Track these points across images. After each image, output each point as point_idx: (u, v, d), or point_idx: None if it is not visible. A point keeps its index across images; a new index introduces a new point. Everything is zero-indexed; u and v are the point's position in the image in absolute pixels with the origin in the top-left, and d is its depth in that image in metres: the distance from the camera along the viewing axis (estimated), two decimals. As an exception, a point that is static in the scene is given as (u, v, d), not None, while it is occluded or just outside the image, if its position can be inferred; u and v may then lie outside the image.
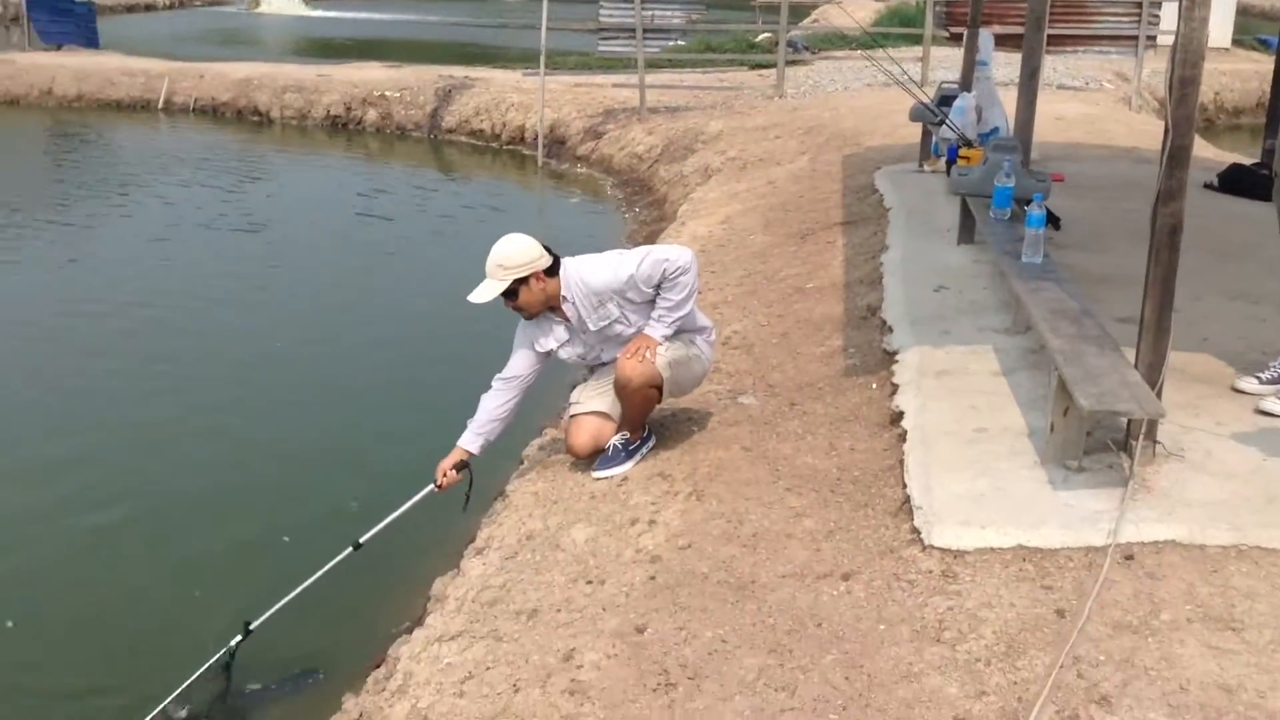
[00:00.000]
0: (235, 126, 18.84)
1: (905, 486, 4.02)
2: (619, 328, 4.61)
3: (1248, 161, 9.29)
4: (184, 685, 4.09)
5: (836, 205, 8.92)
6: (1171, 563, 3.41)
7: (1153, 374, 3.95)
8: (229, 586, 4.90)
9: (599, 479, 4.67)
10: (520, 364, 4.70)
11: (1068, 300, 4.60)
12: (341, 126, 18.47)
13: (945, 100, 8.67)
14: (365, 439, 6.53)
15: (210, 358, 7.83)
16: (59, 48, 23.67)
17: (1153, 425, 3.93)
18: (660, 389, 4.64)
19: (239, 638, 4.24)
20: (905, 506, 3.90)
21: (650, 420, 4.89)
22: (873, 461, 4.36)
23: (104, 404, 7.00)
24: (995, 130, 7.99)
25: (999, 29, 12.14)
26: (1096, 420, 3.94)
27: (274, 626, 4.45)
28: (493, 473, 5.54)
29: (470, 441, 4.68)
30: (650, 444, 4.82)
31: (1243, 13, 24.04)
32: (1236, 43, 22.54)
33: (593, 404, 4.75)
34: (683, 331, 4.66)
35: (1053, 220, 6.41)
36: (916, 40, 17.46)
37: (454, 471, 4.64)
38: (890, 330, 5.63)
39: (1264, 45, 22.90)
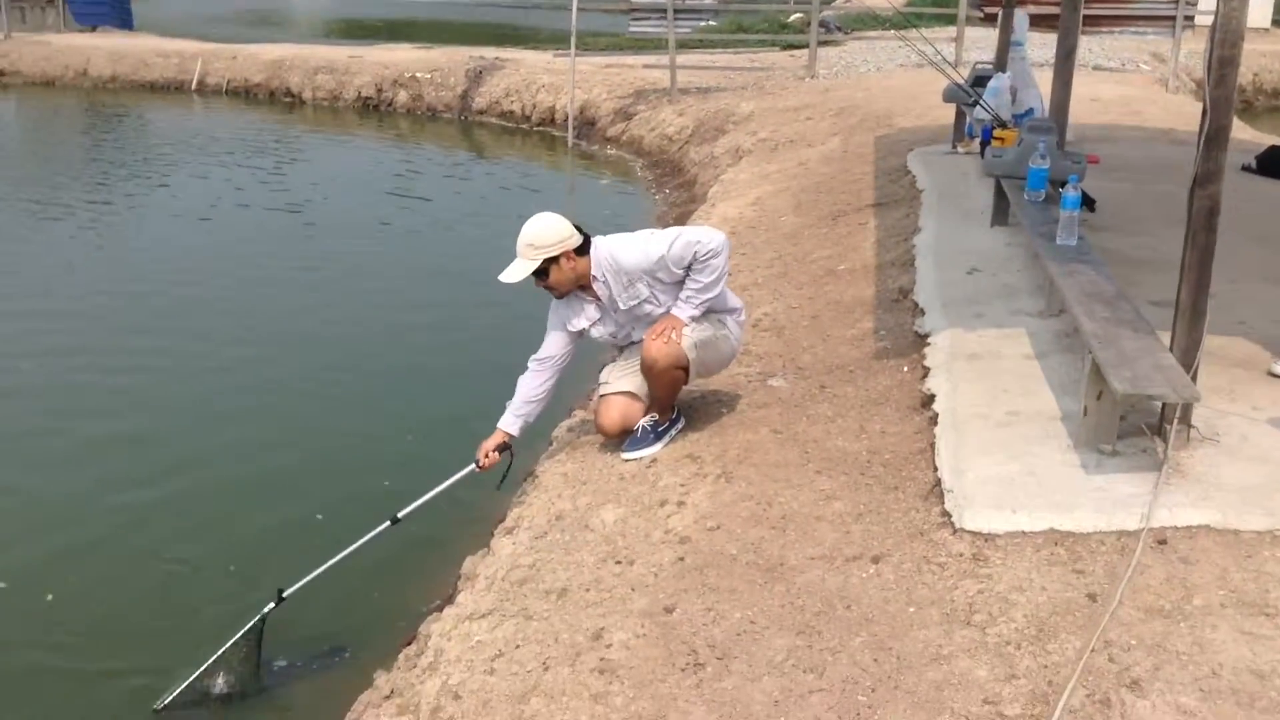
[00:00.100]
0: (268, 108, 18.96)
1: (936, 469, 4.01)
2: (648, 307, 4.61)
3: (1287, 143, 9.16)
4: (218, 653, 4.13)
5: (868, 187, 8.88)
6: (1205, 547, 3.39)
7: (1188, 358, 3.91)
8: (265, 561, 4.94)
9: (628, 460, 4.68)
10: (554, 345, 4.72)
11: (1103, 283, 4.56)
12: (373, 108, 18.54)
13: (979, 81, 8.60)
14: (403, 418, 6.58)
15: (251, 337, 7.94)
16: (94, 29, 23.89)
17: (1187, 409, 3.89)
18: (687, 370, 4.63)
19: (271, 604, 4.28)
20: (936, 489, 3.89)
21: (679, 402, 4.89)
22: (903, 444, 4.34)
23: (145, 382, 7.10)
24: (1030, 111, 7.92)
25: (1034, 9, 12.02)
26: (1130, 404, 3.91)
27: (306, 604, 4.50)
28: (523, 454, 5.57)
29: (510, 423, 4.70)
30: (679, 426, 4.82)
31: (1283, -8, 23.68)
32: (1276, 23, 22.22)
33: (622, 384, 4.75)
34: (712, 311, 4.65)
35: (1088, 202, 6.35)
36: (950, 20, 17.32)
37: (495, 453, 4.66)
38: (922, 313, 5.60)
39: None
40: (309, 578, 4.34)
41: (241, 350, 7.64)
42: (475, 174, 14.08)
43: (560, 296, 4.65)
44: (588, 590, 3.74)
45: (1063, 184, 5.22)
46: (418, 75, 18.42)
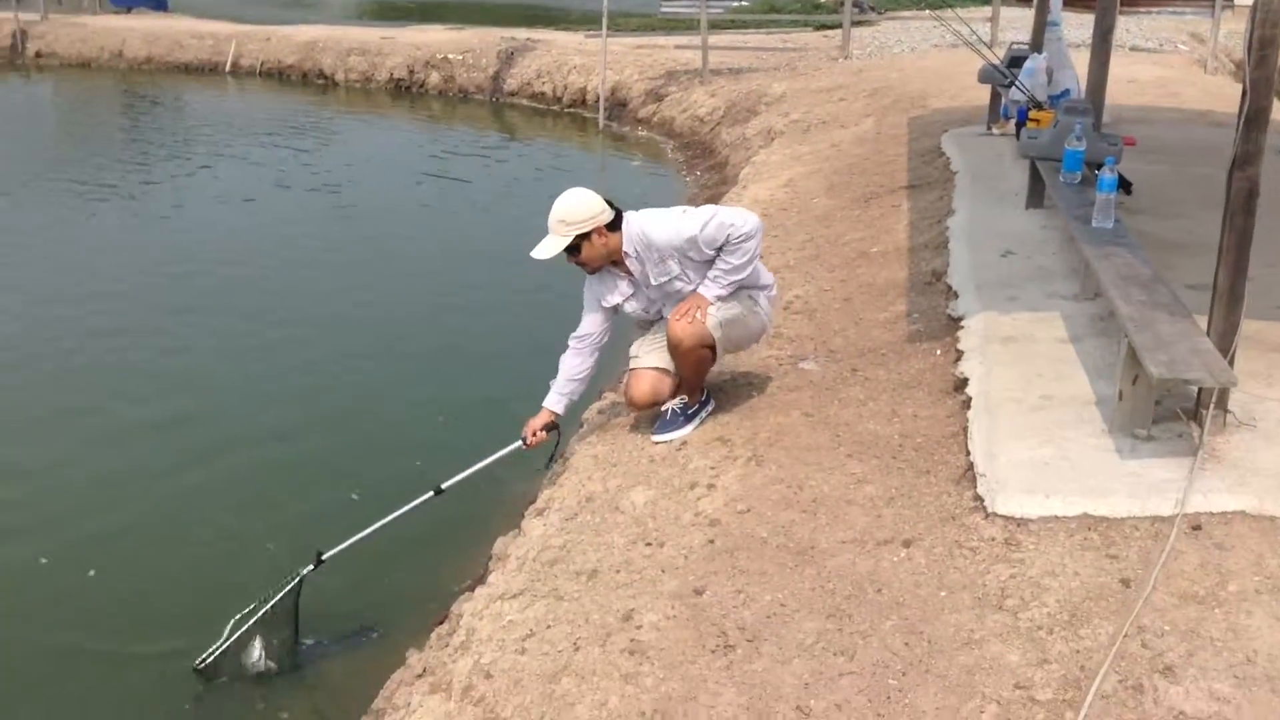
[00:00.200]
0: (301, 89, 19.04)
1: (969, 453, 3.99)
2: (679, 284, 4.58)
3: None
4: (258, 614, 4.16)
5: (902, 168, 8.82)
6: (1240, 533, 3.36)
7: (1225, 342, 3.87)
8: (303, 539, 4.94)
9: (658, 443, 4.68)
10: (591, 322, 4.72)
11: (1139, 266, 4.51)
12: (405, 89, 18.58)
13: (1015, 61, 8.51)
14: (438, 399, 6.65)
15: (290, 317, 8.05)
16: (129, 11, 24.05)
17: (1224, 394, 3.85)
18: (714, 348, 4.62)
19: (310, 567, 4.32)
20: (968, 474, 3.87)
21: (710, 385, 4.89)
22: (936, 428, 4.32)
23: (185, 362, 7.20)
24: (1066, 92, 7.83)
25: (1071, -12, 11.86)
26: (1166, 388, 3.87)
27: (339, 584, 4.55)
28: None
29: (555, 402, 4.72)
30: (709, 408, 4.81)
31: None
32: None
33: (651, 359, 4.71)
34: (743, 288, 4.60)
35: (1124, 185, 6.29)
36: (986, 0, 17.13)
37: (543, 432, 4.69)
38: (955, 296, 5.57)
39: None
40: (349, 542, 4.40)
41: (280, 330, 7.74)
42: (507, 156, 14.10)
43: (592, 272, 4.64)
44: (618, 572, 3.75)
45: (1099, 166, 5.16)
46: (450, 56, 18.44)
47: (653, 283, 4.58)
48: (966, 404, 4.37)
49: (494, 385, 6.72)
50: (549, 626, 3.54)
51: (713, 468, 4.34)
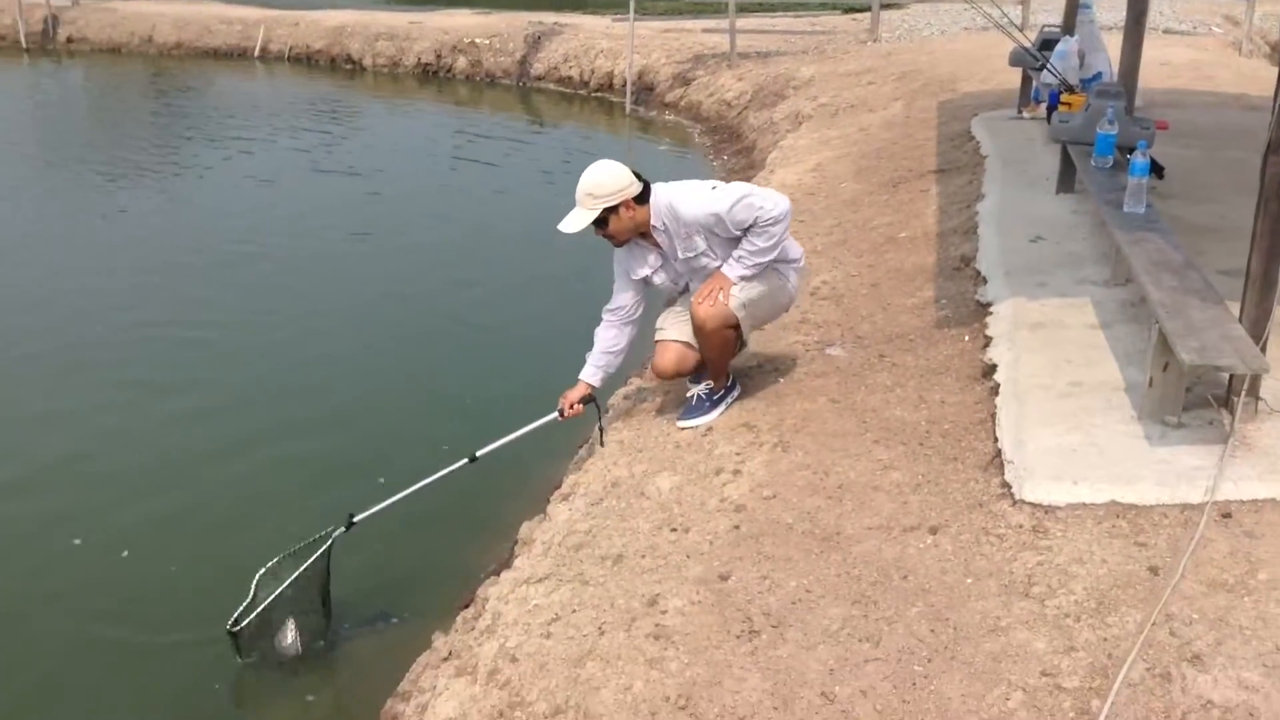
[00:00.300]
0: (329, 74, 19.10)
1: (996, 440, 3.97)
2: (705, 260, 4.53)
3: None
4: (291, 577, 4.17)
5: (930, 153, 8.76)
6: (1271, 522, 3.32)
7: (1257, 328, 3.82)
8: (337, 514, 5.00)
9: (684, 428, 4.68)
10: (622, 295, 4.71)
11: (1170, 252, 4.47)
12: (432, 74, 18.60)
13: (1046, 44, 8.43)
14: (471, 379, 6.69)
15: (322, 299, 8.13)
16: (159, -5, 24.08)
17: (1256, 381, 3.81)
18: (738, 327, 4.60)
19: (341, 529, 4.34)
20: (996, 460, 3.85)
21: (735, 370, 4.88)
22: (963, 415, 4.30)
23: (219, 344, 7.29)
24: (1098, 75, 7.75)
25: (1104, -30, 11.73)
26: (1197, 375, 3.83)
27: (365, 566, 4.58)
28: (579, 421, 5.60)
29: (591, 374, 4.72)
30: (735, 394, 4.80)
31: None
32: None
33: (675, 332, 4.67)
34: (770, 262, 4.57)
35: (1156, 169, 6.22)
36: (1016, -18, 16.95)
37: (579, 404, 4.69)
38: (984, 281, 5.53)
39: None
40: (381, 505, 4.42)
41: (309, 314, 7.83)
42: (534, 140, 14.10)
43: (619, 245, 4.61)
44: (643, 557, 3.76)
45: (1131, 150, 5.11)
46: (477, 41, 18.44)
47: (680, 257, 4.54)
48: (994, 390, 4.34)
49: (522, 369, 6.74)
50: (574, 611, 3.55)
51: (738, 453, 4.34)
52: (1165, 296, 4.00)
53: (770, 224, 4.36)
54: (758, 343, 5.31)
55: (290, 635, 4.22)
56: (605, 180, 4.40)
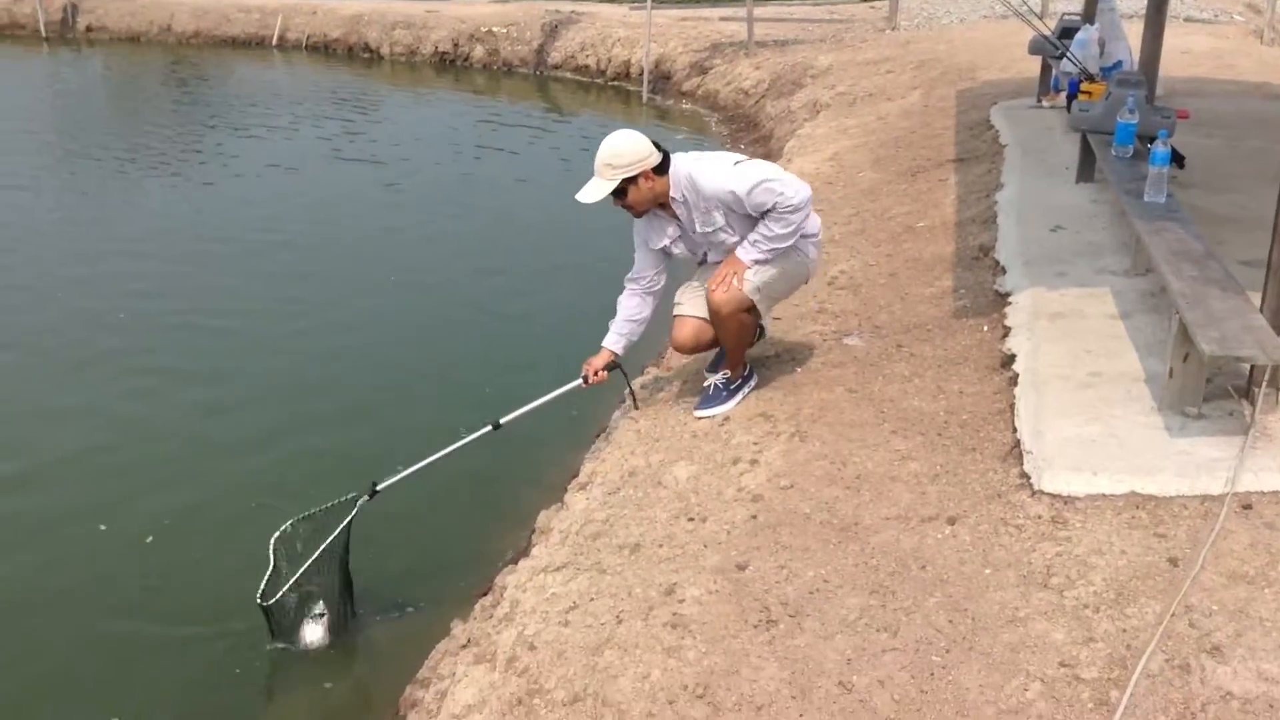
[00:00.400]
0: (346, 63, 19.12)
1: (1015, 430, 3.96)
2: (723, 235, 4.50)
3: (1390, 96, 8.82)
4: (320, 548, 4.18)
5: (949, 142, 8.72)
6: (1293, 514, 3.31)
7: (1278, 319, 3.80)
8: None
9: (701, 418, 4.68)
10: (643, 264, 4.69)
11: (1191, 241, 4.45)
12: (449, 63, 18.59)
13: (1066, 32, 8.37)
14: (496, 362, 6.74)
15: (342, 285, 8.16)
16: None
17: (1276, 371, 3.79)
18: (754, 309, 4.56)
19: (365, 497, 4.36)
20: (1015, 451, 3.85)
21: (753, 360, 4.88)
22: (982, 405, 4.29)
23: (242, 330, 7.32)
24: (1119, 64, 7.70)
25: (1125, -43, 11.64)
26: (1218, 366, 3.82)
27: (384, 554, 4.59)
28: (596, 410, 5.62)
29: (613, 342, 4.71)
30: (752, 384, 4.80)
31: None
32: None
33: (692, 308, 4.66)
34: None
35: (1177, 158, 6.19)
36: (1036, -30, 16.84)
37: (604, 371, 4.69)
38: (1003, 271, 5.51)
39: None
40: (404, 474, 4.44)
41: (330, 301, 7.84)
42: (554, 129, 14.10)
43: (638, 216, 4.58)
44: (660, 546, 3.76)
45: (1151, 139, 5.08)
46: (494, 30, 18.42)
47: (698, 229, 4.51)
48: (1013, 380, 4.33)
49: (545, 360, 6.73)
50: (592, 599, 3.56)
51: (756, 443, 4.34)
52: (1186, 286, 3.98)
53: (789, 211, 4.34)
54: (775, 332, 5.31)
55: (319, 611, 4.24)
56: (624, 150, 4.36)
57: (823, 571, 3.43)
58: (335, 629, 4.27)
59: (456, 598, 4.36)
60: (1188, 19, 15.07)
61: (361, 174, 11.58)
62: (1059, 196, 6.54)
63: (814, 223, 4.62)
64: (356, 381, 6.57)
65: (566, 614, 3.53)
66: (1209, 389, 3.87)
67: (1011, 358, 4.53)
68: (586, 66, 17.24)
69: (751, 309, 4.53)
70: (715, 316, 4.51)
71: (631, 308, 4.71)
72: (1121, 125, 5.68)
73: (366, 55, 19.34)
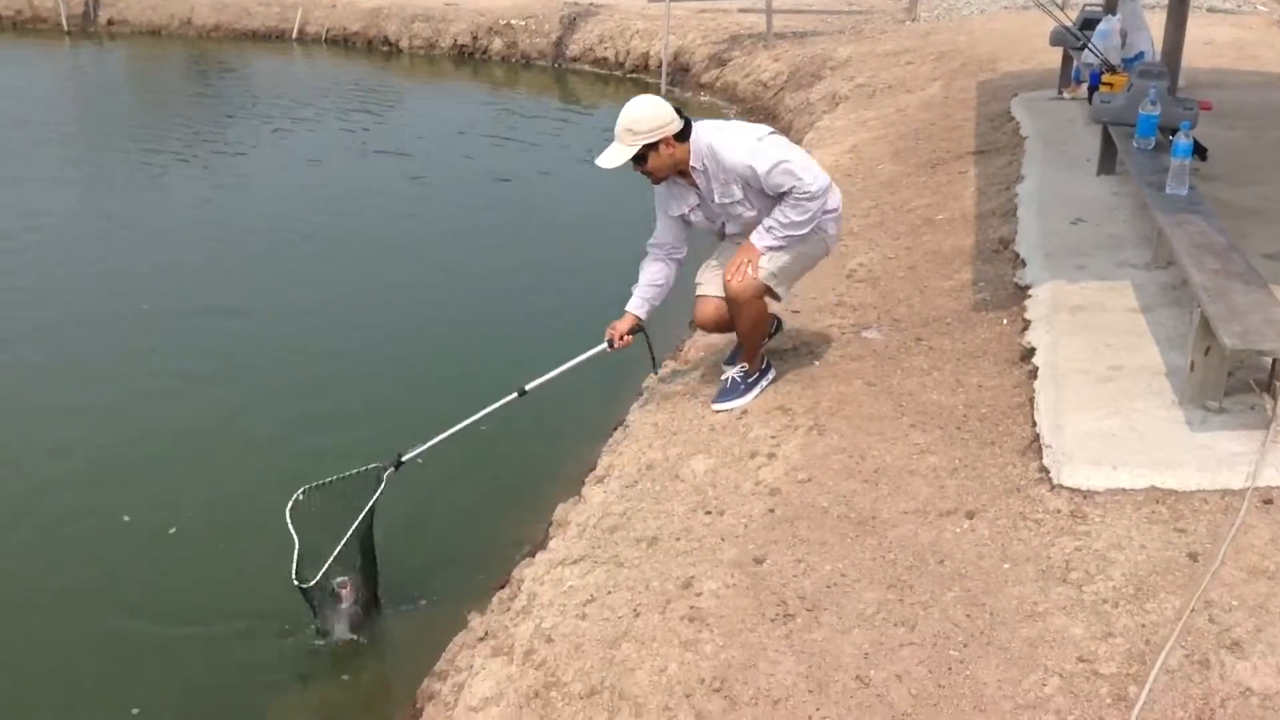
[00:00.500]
0: (366, 56, 19.16)
1: (1034, 424, 3.94)
2: (740, 209, 4.48)
3: None
4: (353, 526, 4.18)
5: (969, 134, 8.68)
6: (1315, 509, 3.29)
7: (1302, 312, 3.77)
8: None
9: (718, 411, 4.67)
10: (663, 230, 4.68)
11: (1213, 234, 4.41)
12: (468, 56, 18.61)
13: (1088, 23, 8.32)
14: (525, 359, 6.74)
15: (366, 277, 8.22)
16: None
17: (1300, 366, 3.76)
18: (771, 292, 4.54)
19: (391, 468, 4.37)
20: (1034, 445, 3.83)
21: (771, 353, 4.87)
22: (1001, 398, 4.27)
23: (268, 321, 7.40)
24: (1140, 55, 7.65)
25: (1147, -53, 11.56)
26: (1239, 360, 3.79)
27: (401, 546, 4.60)
28: (613, 403, 5.62)
29: (637, 306, 4.69)
30: (770, 377, 4.79)
31: None
32: None
33: (714, 288, 4.64)
34: None
35: (1199, 150, 6.14)
36: (1058, -40, 16.73)
37: (628, 335, 4.68)
38: (1023, 264, 5.48)
39: None
40: (430, 443, 4.45)
41: (351, 293, 7.89)
42: (574, 121, 14.12)
43: (657, 182, 4.56)
44: (678, 539, 3.77)
45: (1173, 131, 5.05)
46: (513, 22, 18.42)
47: (717, 200, 4.49)
48: (1033, 374, 4.31)
49: (570, 353, 6.76)
50: (609, 592, 3.57)
51: (773, 437, 4.33)
52: (1207, 279, 3.95)
53: (806, 199, 4.31)
54: (793, 325, 5.30)
55: (349, 590, 4.24)
56: (646, 115, 4.32)
57: (840, 565, 3.42)
58: (366, 608, 4.28)
59: (474, 591, 4.37)
60: (1210, 9, 14.95)
61: (384, 166, 11.62)
62: (1080, 189, 6.50)
63: (835, 198, 4.55)
64: (381, 374, 6.60)
65: (584, 607, 3.53)
66: (1230, 383, 3.84)
67: (1031, 351, 4.51)
68: (605, 59, 17.23)
69: (769, 293, 4.52)
70: (732, 304, 4.50)
71: (653, 273, 4.69)
72: (1143, 117, 5.64)
73: (385, 48, 19.37)
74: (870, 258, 6.32)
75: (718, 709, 2.95)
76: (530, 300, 7.73)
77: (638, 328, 4.69)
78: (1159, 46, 7.02)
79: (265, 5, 20.89)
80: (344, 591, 4.20)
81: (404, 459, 4.37)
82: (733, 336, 4.82)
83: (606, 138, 4.44)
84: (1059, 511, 3.44)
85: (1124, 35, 7.83)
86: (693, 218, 4.63)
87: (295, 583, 4.07)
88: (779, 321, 5.09)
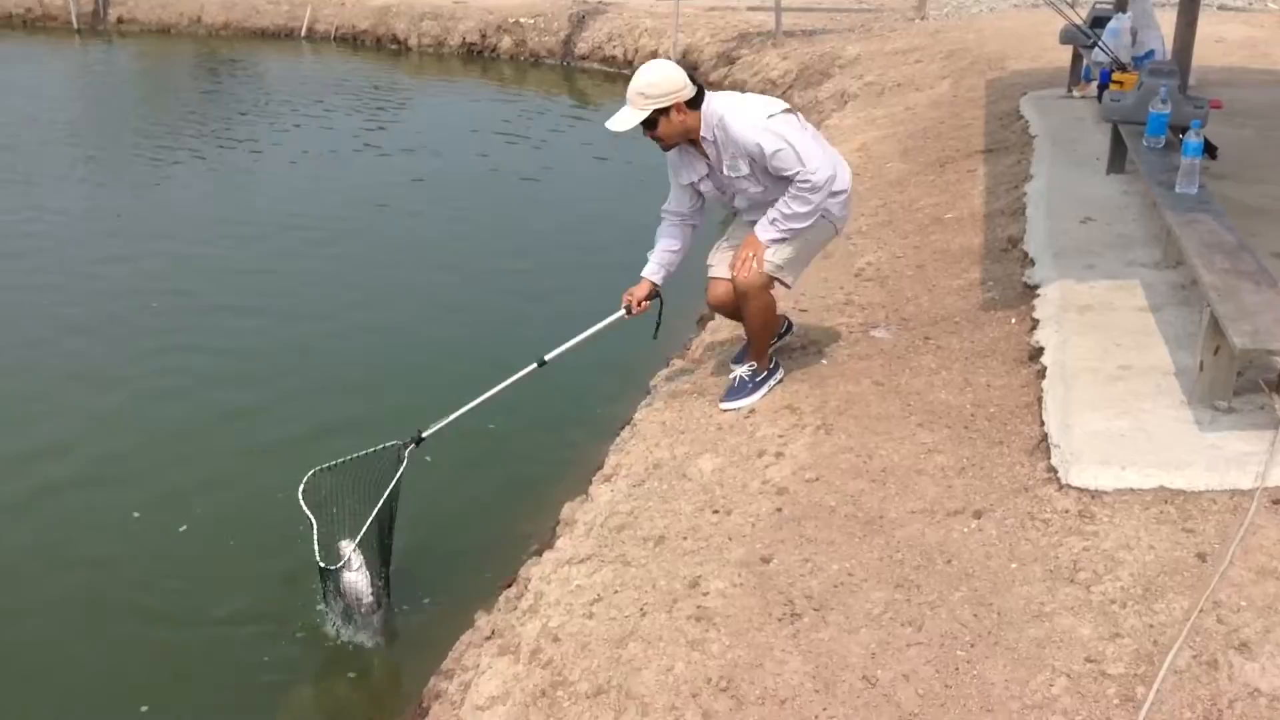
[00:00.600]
0: (374, 54, 19.19)
1: (1043, 424, 3.93)
2: (747, 184, 4.45)
3: None
4: (378, 506, 4.19)
5: (978, 132, 8.66)
6: (1324, 510, 3.27)
7: (1312, 312, 3.76)
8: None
9: (726, 410, 4.67)
10: (676, 198, 4.67)
11: (1223, 233, 4.40)
12: (476, 54, 18.63)
13: (1098, 21, 8.30)
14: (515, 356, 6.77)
15: (372, 275, 8.26)
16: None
17: (1310, 366, 3.75)
18: (780, 281, 4.52)
19: (412, 445, 4.38)
20: (1042, 444, 3.82)
21: (778, 352, 4.86)
22: (1009, 398, 4.26)
23: (276, 318, 7.43)
24: (1151, 53, 7.62)
25: (1158, -55, 11.51)
26: (1249, 359, 3.77)
27: (408, 545, 4.61)
28: (620, 402, 5.62)
29: (653, 272, 4.68)
30: (778, 376, 4.79)
31: None
32: None
33: (725, 270, 4.61)
34: None
35: (1209, 149, 6.12)
36: (1068, -42, 16.69)
37: (646, 301, 4.67)
38: (1032, 263, 5.47)
39: None
40: (450, 418, 4.46)
41: (360, 291, 7.90)
42: (584, 118, 14.13)
43: (667, 149, 4.54)
44: (685, 538, 3.76)
45: (1184, 130, 5.02)
46: (521, 20, 18.43)
47: (725, 173, 4.47)
48: (1041, 373, 4.30)
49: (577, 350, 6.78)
50: (616, 592, 3.57)
51: (781, 436, 4.33)
52: (1217, 279, 3.94)
53: (808, 190, 4.27)
54: (802, 324, 5.30)
55: (360, 613, 4.25)
56: (658, 80, 4.30)
57: (847, 565, 3.42)
58: (380, 595, 4.28)
59: (481, 589, 4.38)
60: (1221, 7, 14.90)
61: (393, 164, 11.65)
62: (1089, 188, 6.48)
63: (844, 178, 4.49)
64: (392, 372, 6.61)
65: (591, 606, 3.54)
66: (1239, 383, 3.83)
67: (1039, 350, 4.50)
68: (614, 57, 17.23)
69: (778, 280, 4.51)
70: (741, 299, 4.49)
71: (667, 240, 4.68)
72: (1153, 115, 5.62)
73: (394, 46, 19.39)
74: (878, 256, 6.31)
75: (724, 708, 2.95)
76: (542, 297, 7.73)
77: (654, 293, 4.69)
78: (1169, 44, 7.01)
79: (274, 3, 20.93)
80: (362, 574, 4.20)
81: (424, 435, 4.38)
82: (742, 335, 4.81)
83: (616, 136, 4.43)
84: (1067, 511, 3.43)
85: (1134, 33, 7.80)
86: (702, 187, 4.60)
87: (320, 564, 4.06)
88: (789, 323, 5.09)
